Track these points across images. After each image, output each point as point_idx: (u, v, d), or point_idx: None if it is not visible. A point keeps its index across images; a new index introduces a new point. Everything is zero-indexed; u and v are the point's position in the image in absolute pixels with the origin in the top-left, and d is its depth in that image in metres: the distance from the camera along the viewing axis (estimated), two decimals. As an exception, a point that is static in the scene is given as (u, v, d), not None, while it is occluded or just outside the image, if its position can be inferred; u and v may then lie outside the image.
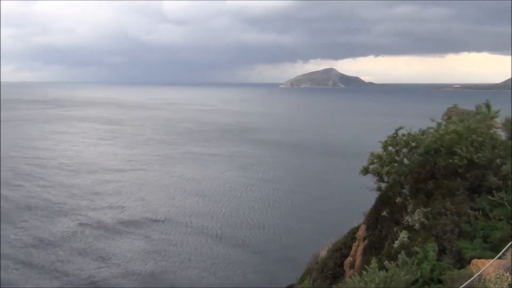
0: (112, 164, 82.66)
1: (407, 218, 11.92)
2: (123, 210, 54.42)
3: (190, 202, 57.95)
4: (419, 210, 11.80)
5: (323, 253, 19.99)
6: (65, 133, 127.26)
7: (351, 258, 16.18)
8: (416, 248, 10.04)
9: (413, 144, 15.94)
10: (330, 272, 17.56)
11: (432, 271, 8.87)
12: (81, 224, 49.04)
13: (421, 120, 18.75)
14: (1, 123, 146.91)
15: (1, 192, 60.73)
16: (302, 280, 18.74)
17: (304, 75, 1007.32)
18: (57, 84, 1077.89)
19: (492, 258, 8.59)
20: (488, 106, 15.02)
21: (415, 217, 11.64)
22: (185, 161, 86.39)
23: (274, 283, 34.05)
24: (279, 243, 44.64)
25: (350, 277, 9.68)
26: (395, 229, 12.09)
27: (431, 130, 15.52)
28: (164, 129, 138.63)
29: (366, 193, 16.88)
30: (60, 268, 38.11)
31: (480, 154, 12.29)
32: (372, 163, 16.56)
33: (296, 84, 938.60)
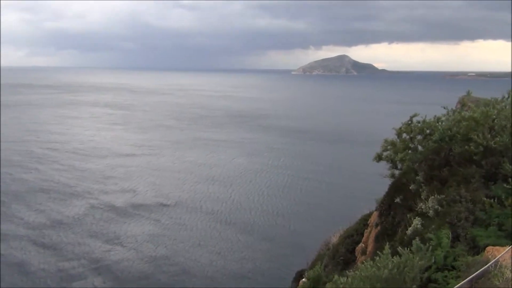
0: (123, 148, 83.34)
1: (421, 205, 11.82)
2: (135, 194, 54.99)
3: (201, 187, 58.32)
4: (433, 197, 11.69)
5: (335, 239, 20.00)
6: (77, 118, 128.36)
7: (363, 245, 16.16)
8: (430, 235, 9.97)
9: (428, 131, 15.73)
10: (341, 258, 17.57)
11: (445, 257, 8.81)
12: (93, 207, 49.75)
13: (435, 108, 18.48)
14: (15, 107, 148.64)
15: (18, 175, 61.82)
16: (313, 265, 18.78)
17: (316, 61, 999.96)
18: (69, 69, 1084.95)
19: (508, 246, 8.51)
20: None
21: (429, 204, 11.54)
22: (196, 146, 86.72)
23: (284, 268, 34.28)
24: (289, 229, 44.83)
25: (362, 263, 9.67)
26: (408, 215, 12.01)
27: (446, 117, 15.31)
28: (175, 115, 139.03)
29: (378, 180, 16.78)
30: (72, 249, 38.79)
31: (498, 139, 12.10)
32: (386, 149, 16.38)
33: (309, 70, 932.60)
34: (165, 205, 51.01)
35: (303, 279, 17.17)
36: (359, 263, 14.13)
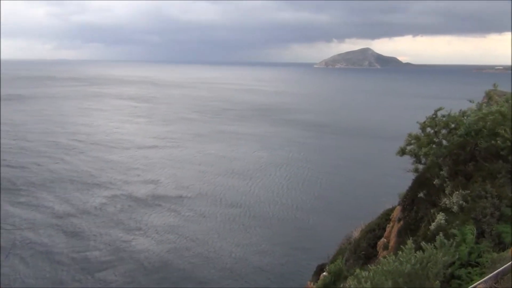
0: (146, 140, 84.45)
1: (445, 200, 11.63)
2: (156, 185, 55.74)
3: (222, 180, 58.69)
4: (457, 192, 11.49)
5: (356, 234, 19.87)
6: (102, 110, 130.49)
7: (385, 240, 16.02)
8: (454, 231, 9.82)
9: (453, 125, 15.44)
10: (363, 252, 17.46)
11: (470, 253, 8.67)
12: (115, 197, 50.72)
13: (462, 102, 18.12)
14: (41, 99, 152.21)
15: (45, 165, 63.46)
16: (334, 259, 18.73)
17: (339, 55, 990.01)
18: (95, 62, 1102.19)
19: (535, 243, 8.32)
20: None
21: (453, 199, 11.34)
22: (217, 139, 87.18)
23: (304, 262, 34.31)
24: (310, 223, 44.75)
25: (385, 257, 9.58)
26: (432, 211, 11.84)
27: (472, 111, 14.98)
28: (198, 108, 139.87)
29: (402, 174, 16.59)
30: (95, 237, 39.68)
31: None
32: (410, 144, 16.17)
33: (331, 64, 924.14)
34: (185, 197, 51.55)
35: (324, 273, 17.15)
36: (381, 258, 14.03)
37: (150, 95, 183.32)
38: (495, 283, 7.04)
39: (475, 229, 9.63)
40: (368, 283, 8.03)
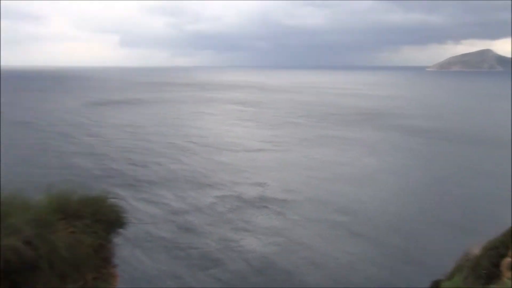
0: (254, 144, 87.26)
1: None
2: (263, 187, 57.39)
3: (328, 185, 58.49)
4: None
5: (476, 250, 18.64)
6: (212, 114, 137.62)
7: (510, 259, 14.86)
8: None
9: None
10: (484, 271, 16.36)
11: None
12: (225, 197, 53.35)
13: None
14: (160, 103, 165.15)
15: (165, 165, 69.04)
16: (451, 276, 17.81)
17: (455, 57, 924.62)
18: (207, 69, 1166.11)
19: None
20: None
21: None
22: (323, 144, 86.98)
23: (415, 275, 32.84)
24: (421, 234, 42.66)
25: (510, 279, 9.05)
26: None
27: None
28: (303, 112, 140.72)
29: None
30: (205, 234, 42.19)
31: None
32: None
33: (446, 67, 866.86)
34: (292, 201, 52.27)
35: (440, 289, 16.43)
36: (505, 279, 13.14)
37: (257, 100, 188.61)
38: None
39: None
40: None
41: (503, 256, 17.05)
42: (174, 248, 39.17)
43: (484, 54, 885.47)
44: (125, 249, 33.93)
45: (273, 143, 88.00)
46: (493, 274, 16.46)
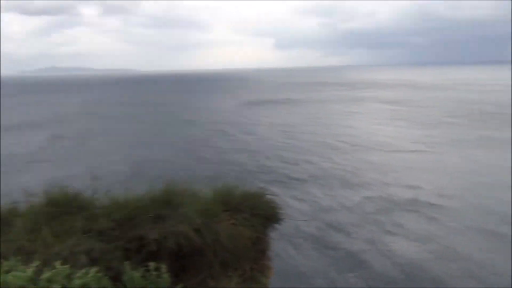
0: (405, 144, 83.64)
1: None
2: (413, 189, 54.80)
3: (491, 193, 52.93)
4: None
5: None
6: (362, 113, 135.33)
7: None
8: None
9: None
10: None
11: None
12: (373, 197, 52.53)
13: None
14: (311, 103, 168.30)
15: (316, 163, 70.48)
16: None
17: None
18: (359, 67, 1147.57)
19: None
20: None
21: None
22: (484, 146, 78.78)
23: None
24: None
25: None
26: None
27: None
28: (459, 111, 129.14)
29: None
30: (352, 233, 42.07)
31: None
32: None
33: None
34: (448, 207, 48.90)
35: None
36: None
37: (409, 98, 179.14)
38: None
39: None
40: None
41: None
42: (322, 246, 40.13)
43: None
44: (278, 244, 36.12)
45: (427, 144, 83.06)
46: None
